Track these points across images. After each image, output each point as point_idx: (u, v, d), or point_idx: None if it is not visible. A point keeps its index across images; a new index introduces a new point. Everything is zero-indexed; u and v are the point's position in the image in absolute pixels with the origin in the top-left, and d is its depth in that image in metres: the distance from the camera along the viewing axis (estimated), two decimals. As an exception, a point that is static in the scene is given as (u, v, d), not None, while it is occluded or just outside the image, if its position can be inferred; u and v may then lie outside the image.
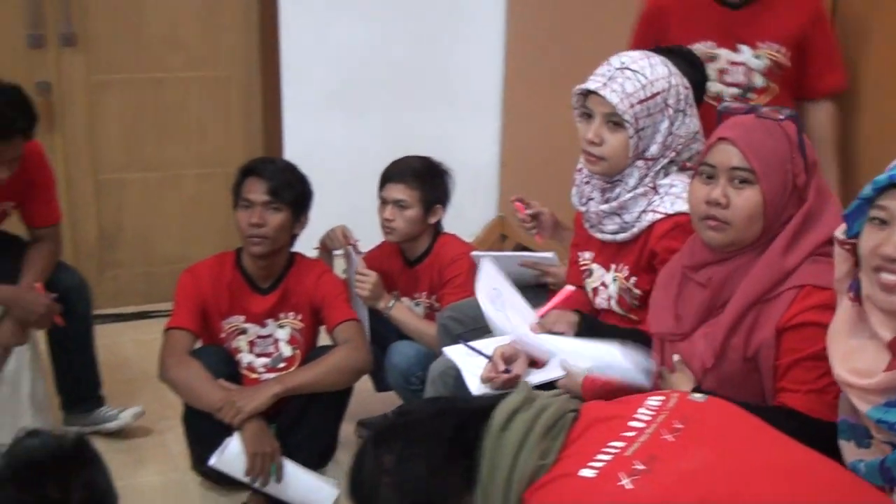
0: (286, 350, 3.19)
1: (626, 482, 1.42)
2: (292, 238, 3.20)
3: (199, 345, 3.16)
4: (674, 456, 1.46)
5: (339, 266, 3.40)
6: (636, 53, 2.48)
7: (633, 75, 2.42)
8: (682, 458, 1.46)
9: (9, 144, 3.09)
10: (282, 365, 3.18)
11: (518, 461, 1.53)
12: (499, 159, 4.86)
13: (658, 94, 2.41)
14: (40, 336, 3.47)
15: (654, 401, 1.60)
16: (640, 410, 1.58)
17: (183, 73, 4.53)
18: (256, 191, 3.07)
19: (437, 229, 3.35)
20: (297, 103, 4.63)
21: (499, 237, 4.69)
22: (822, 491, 1.45)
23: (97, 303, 3.65)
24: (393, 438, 1.65)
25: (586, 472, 1.46)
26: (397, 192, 3.23)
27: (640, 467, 1.44)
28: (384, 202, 3.27)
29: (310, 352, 3.19)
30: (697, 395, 1.69)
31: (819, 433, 1.77)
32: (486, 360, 2.59)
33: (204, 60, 4.54)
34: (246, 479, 2.93)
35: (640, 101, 2.40)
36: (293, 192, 3.10)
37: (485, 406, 1.62)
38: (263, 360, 3.19)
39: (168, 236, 4.67)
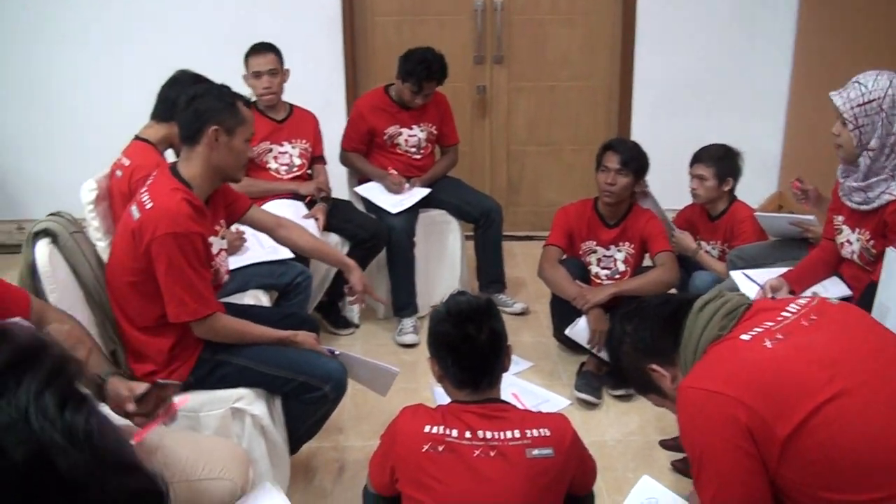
0: (621, 266, 3.26)
1: (768, 343, 1.50)
2: (632, 194, 3.23)
3: (564, 257, 3.30)
4: (804, 334, 1.52)
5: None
6: (873, 71, 2.40)
7: (858, 86, 2.38)
8: (809, 335, 1.52)
9: (438, 84, 3.63)
10: (617, 276, 3.25)
11: (705, 330, 1.61)
12: (782, 148, 4.67)
13: (874, 100, 2.35)
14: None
15: (802, 300, 1.65)
16: (790, 306, 1.62)
17: (568, 82, 4.66)
18: (612, 161, 3.12)
19: (731, 196, 3.28)
20: (641, 104, 4.62)
21: (777, 207, 4.61)
22: None
23: (503, 227, 3.91)
24: (633, 315, 1.78)
25: (744, 336, 1.54)
26: (700, 169, 3.21)
27: (780, 337, 1.51)
28: (692, 176, 3.26)
29: (637, 269, 3.26)
30: (833, 299, 1.69)
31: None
32: (756, 286, 2.71)
33: (583, 74, 4.63)
34: (587, 346, 3.09)
35: (859, 105, 2.37)
36: (637, 163, 3.14)
37: (690, 298, 1.70)
38: (606, 271, 3.27)
39: (550, 188, 4.79)
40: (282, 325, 2.46)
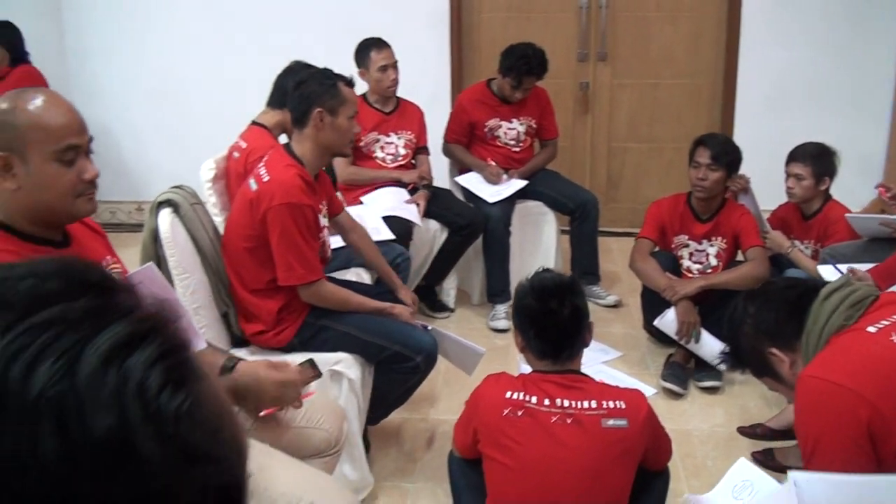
0: (713, 261, 3.26)
1: (894, 338, 1.50)
2: (725, 189, 3.20)
3: (656, 250, 3.34)
4: None
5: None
6: None
7: None
8: None
9: (538, 80, 3.71)
10: (709, 271, 3.25)
11: (830, 319, 1.59)
12: (886, 150, 4.55)
13: None
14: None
15: None
16: None
17: (671, 80, 4.67)
18: (703, 156, 3.12)
19: (827, 195, 3.24)
20: (744, 103, 4.58)
21: (879, 210, 4.48)
22: None
23: (601, 222, 3.99)
24: (757, 296, 1.78)
25: (871, 328, 1.53)
26: (797, 168, 3.18)
27: None
28: (788, 175, 3.22)
29: (729, 264, 3.25)
30: None
31: None
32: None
33: (686, 71, 4.63)
34: (675, 337, 3.08)
35: None
36: (728, 158, 3.13)
37: (817, 285, 1.70)
38: (697, 265, 3.29)
39: (650, 185, 4.77)
40: (380, 300, 2.63)
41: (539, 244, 4.04)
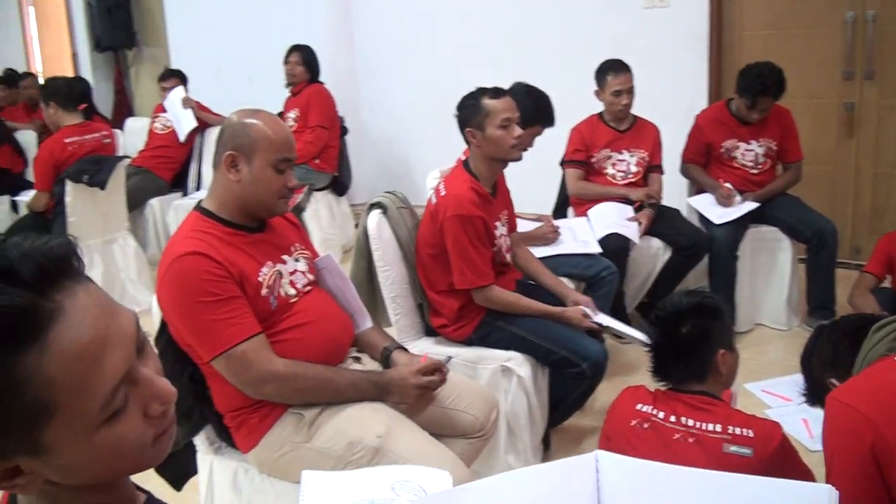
0: None
1: None
2: None
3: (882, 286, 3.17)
4: None
5: None
6: None
7: None
8: None
9: (774, 100, 3.62)
10: None
11: (873, 349, 1.62)
12: None
13: None
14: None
15: None
16: None
17: None
18: None
19: None
20: None
21: None
22: None
23: (861, 255, 3.80)
24: (827, 329, 1.86)
25: None
26: None
27: None
28: None
29: None
30: None
31: None
32: None
33: None
34: None
35: None
36: None
37: (874, 319, 1.72)
38: None
39: None
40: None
41: (773, 272, 3.91)
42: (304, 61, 5.28)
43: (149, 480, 2.08)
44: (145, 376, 0.82)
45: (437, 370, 2.12)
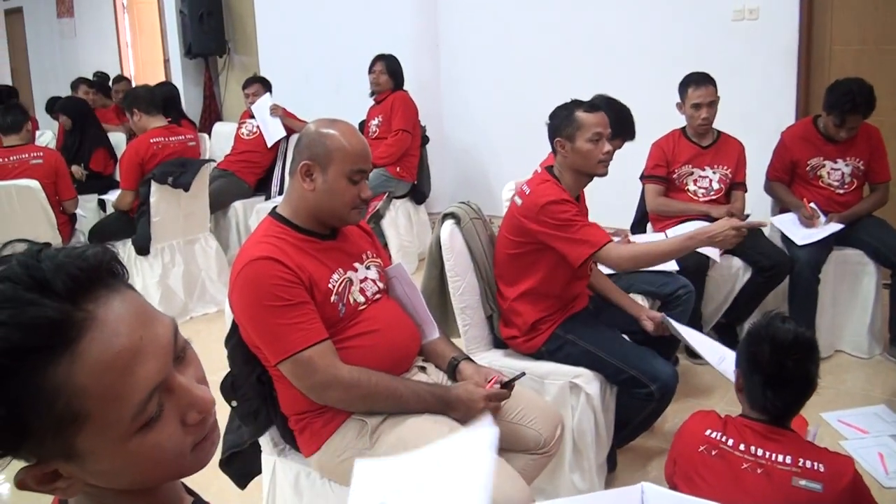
0: None
1: None
2: None
3: None
4: None
5: None
6: None
7: None
8: None
9: (863, 118, 3.51)
10: None
11: None
12: None
13: None
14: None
15: None
16: None
17: None
18: None
19: None
20: None
21: None
22: None
23: None
24: None
25: None
26: None
27: None
28: None
29: None
30: None
31: None
32: None
33: None
34: None
35: None
36: None
37: None
38: None
39: None
40: (627, 329, 2.78)
41: (856, 297, 3.76)
42: (388, 70, 5.35)
43: (215, 478, 2.15)
44: (182, 384, 0.82)
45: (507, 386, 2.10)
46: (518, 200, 2.72)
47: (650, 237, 3.73)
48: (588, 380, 2.65)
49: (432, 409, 2.01)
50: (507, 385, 2.12)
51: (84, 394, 0.75)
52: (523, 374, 2.17)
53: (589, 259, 2.58)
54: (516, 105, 5.62)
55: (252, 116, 5.81)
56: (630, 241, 3.47)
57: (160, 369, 0.80)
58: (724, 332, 3.87)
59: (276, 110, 5.69)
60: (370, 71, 5.42)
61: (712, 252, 3.56)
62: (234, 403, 2.07)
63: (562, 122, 2.67)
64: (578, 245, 2.56)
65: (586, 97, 2.87)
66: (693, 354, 3.77)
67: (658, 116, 3.84)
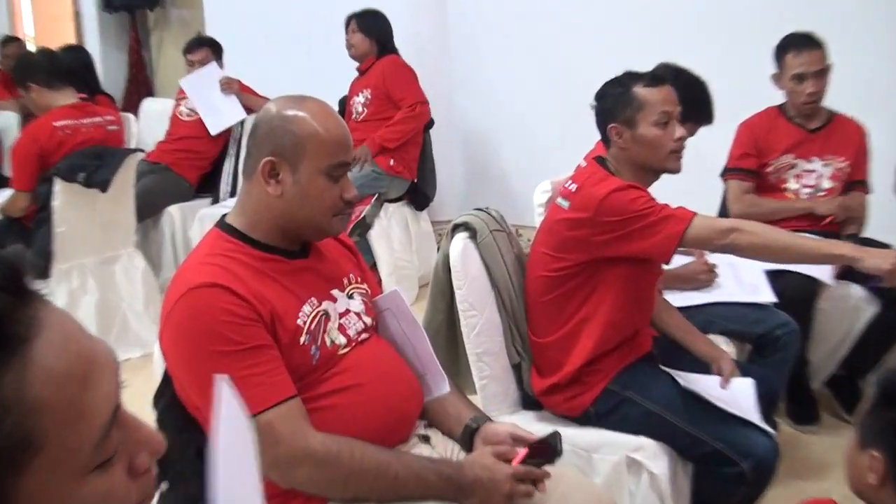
0: None
1: None
2: None
3: None
4: None
5: None
6: None
7: None
8: None
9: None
10: None
11: None
12: None
13: None
14: None
15: None
16: None
17: None
18: None
19: None
20: None
21: None
22: None
23: None
24: None
25: None
26: None
27: None
28: None
29: None
30: None
31: None
32: None
33: None
34: None
35: None
36: None
37: None
38: None
39: None
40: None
41: None
42: (363, 29, 5.33)
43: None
44: (133, 417, 0.85)
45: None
46: (563, 203, 2.70)
47: (734, 258, 3.67)
48: (653, 454, 2.63)
49: (439, 494, 1.96)
50: (544, 455, 2.08)
51: (41, 408, 0.75)
52: (556, 433, 2.12)
53: (682, 239, 2.54)
54: (548, 80, 5.60)
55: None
56: (707, 265, 3.44)
57: (115, 390, 0.83)
58: (842, 389, 3.83)
59: (230, 85, 5.68)
60: (345, 33, 5.43)
61: (822, 273, 3.52)
62: (165, 486, 2.03)
63: (616, 102, 2.66)
64: (662, 225, 2.53)
65: (646, 67, 2.85)
66: (800, 418, 3.74)
67: (743, 94, 3.86)
